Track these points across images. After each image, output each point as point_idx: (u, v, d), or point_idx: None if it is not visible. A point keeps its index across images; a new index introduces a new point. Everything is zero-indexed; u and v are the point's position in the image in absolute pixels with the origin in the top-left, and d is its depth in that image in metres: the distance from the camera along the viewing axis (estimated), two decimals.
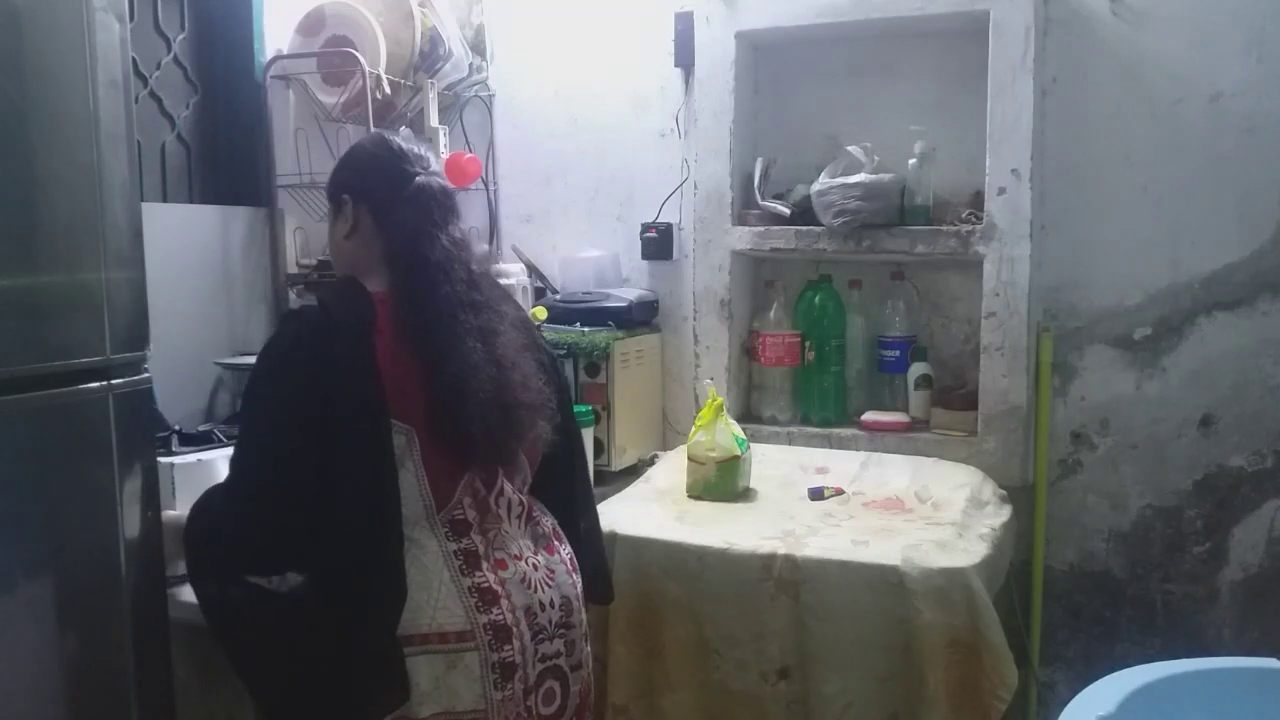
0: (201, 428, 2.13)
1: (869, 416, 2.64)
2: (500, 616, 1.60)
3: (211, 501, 1.60)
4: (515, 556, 1.66)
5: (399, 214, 1.66)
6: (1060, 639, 2.64)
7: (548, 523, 1.77)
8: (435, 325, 1.60)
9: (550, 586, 1.69)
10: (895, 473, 2.43)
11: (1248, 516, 2.47)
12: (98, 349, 1.46)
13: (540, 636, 1.65)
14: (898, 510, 2.26)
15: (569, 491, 1.87)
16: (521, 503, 1.72)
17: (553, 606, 1.68)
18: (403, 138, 1.76)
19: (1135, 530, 2.56)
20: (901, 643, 1.93)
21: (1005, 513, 2.29)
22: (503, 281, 2.77)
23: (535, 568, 1.68)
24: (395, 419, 1.56)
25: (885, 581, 1.93)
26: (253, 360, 2.34)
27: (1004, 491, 2.40)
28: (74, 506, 1.46)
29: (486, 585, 1.60)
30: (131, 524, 1.51)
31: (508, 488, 1.70)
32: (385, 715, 1.54)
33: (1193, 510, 2.51)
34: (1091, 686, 1.80)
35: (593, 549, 1.90)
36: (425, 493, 1.59)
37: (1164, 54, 2.45)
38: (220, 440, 2.01)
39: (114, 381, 1.48)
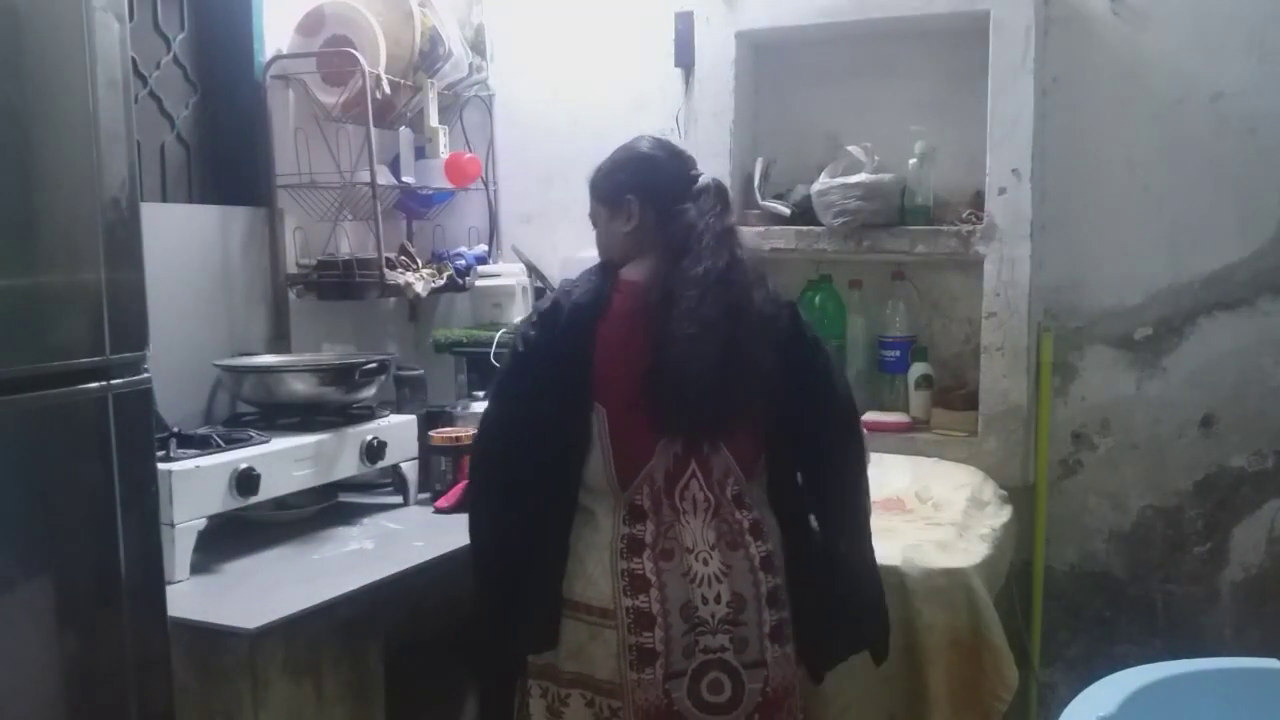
0: (201, 430, 2.12)
1: (869, 417, 2.63)
2: (645, 604, 1.69)
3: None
4: (687, 549, 1.71)
5: (686, 212, 1.78)
6: (1061, 639, 2.64)
7: (745, 520, 1.76)
8: (683, 300, 1.68)
9: (720, 581, 1.71)
10: (896, 473, 2.43)
11: (1248, 517, 2.47)
12: (97, 349, 1.46)
13: (701, 629, 1.69)
14: (898, 510, 2.26)
15: (838, 505, 1.85)
16: (709, 500, 1.74)
17: (718, 601, 1.70)
18: (673, 142, 1.94)
19: (1136, 530, 2.56)
20: (902, 643, 1.93)
21: (1006, 513, 2.29)
22: (506, 282, 2.80)
23: (706, 562, 1.71)
24: (598, 400, 1.72)
25: (885, 581, 1.92)
26: (255, 360, 2.36)
27: (1004, 492, 2.40)
28: (74, 507, 1.46)
29: (640, 572, 1.70)
30: (131, 524, 1.51)
31: (695, 484, 1.73)
32: (533, 652, 1.76)
33: (1193, 510, 2.51)
34: (1092, 687, 1.80)
35: (852, 579, 1.82)
36: (610, 471, 1.73)
37: (1164, 54, 2.45)
38: (219, 444, 2.01)
39: (113, 382, 1.48)
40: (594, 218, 1.92)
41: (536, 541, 1.75)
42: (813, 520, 1.84)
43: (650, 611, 1.68)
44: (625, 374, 1.69)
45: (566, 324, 1.74)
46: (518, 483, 1.76)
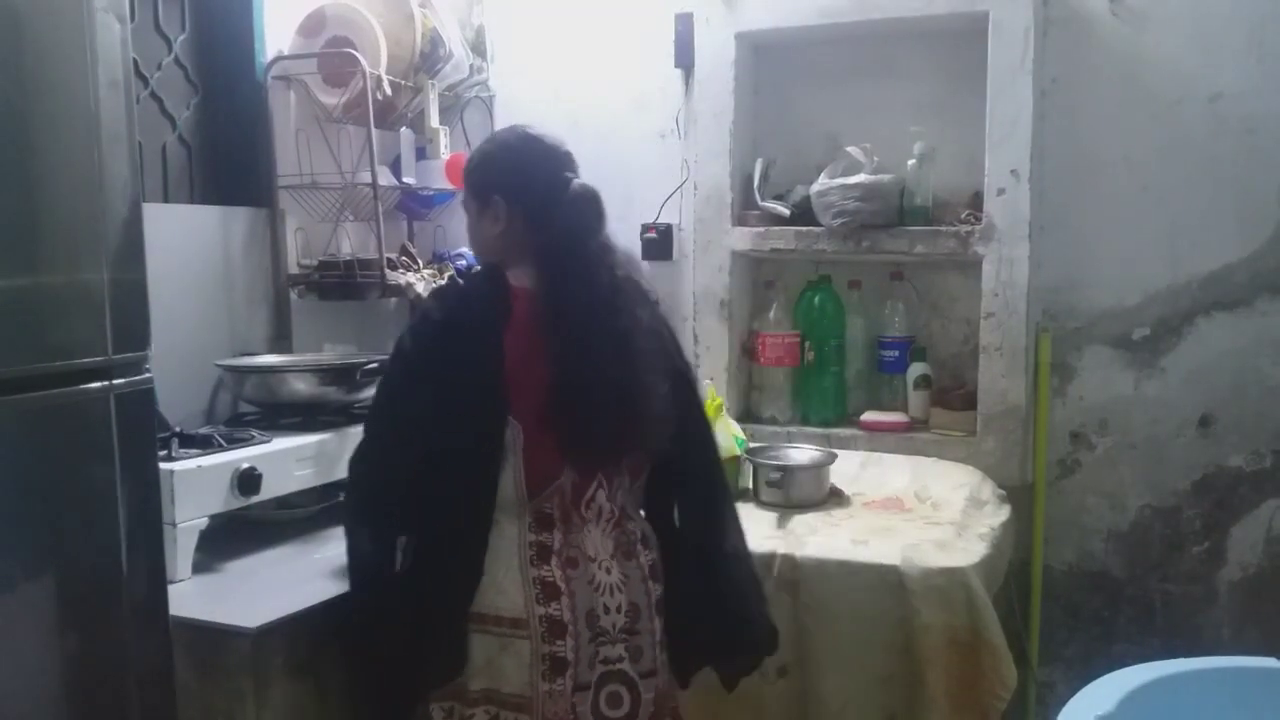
0: (203, 429, 2.13)
1: (868, 417, 2.64)
2: (558, 612, 1.66)
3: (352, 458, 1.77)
4: (590, 558, 1.71)
5: (557, 217, 1.72)
6: (1059, 639, 2.64)
7: (637, 530, 1.79)
8: (572, 325, 1.66)
9: (620, 591, 1.72)
10: (894, 473, 2.43)
11: (1246, 516, 2.48)
12: (99, 349, 1.46)
13: (602, 639, 1.69)
14: (897, 510, 2.27)
15: (713, 511, 1.86)
16: (613, 511, 1.75)
17: (619, 611, 1.71)
18: (547, 135, 1.82)
19: (1134, 530, 2.57)
20: (900, 642, 1.94)
21: (1004, 512, 2.29)
22: None
23: (609, 571, 1.72)
24: (513, 415, 1.66)
25: (884, 581, 1.94)
26: (257, 361, 2.36)
27: (1003, 491, 2.40)
28: (75, 507, 1.46)
29: (551, 580, 1.67)
30: (132, 524, 1.51)
31: (600, 495, 1.74)
32: (442, 683, 1.67)
33: (1191, 510, 2.52)
34: (1090, 686, 1.81)
35: (738, 579, 1.84)
36: (520, 484, 1.68)
37: (1163, 55, 2.46)
38: (221, 444, 2.01)
39: (115, 382, 1.48)
40: (465, 207, 1.85)
41: (446, 562, 1.67)
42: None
43: (562, 619, 1.66)
44: (534, 387, 1.65)
45: (475, 332, 1.66)
46: (425, 500, 1.67)
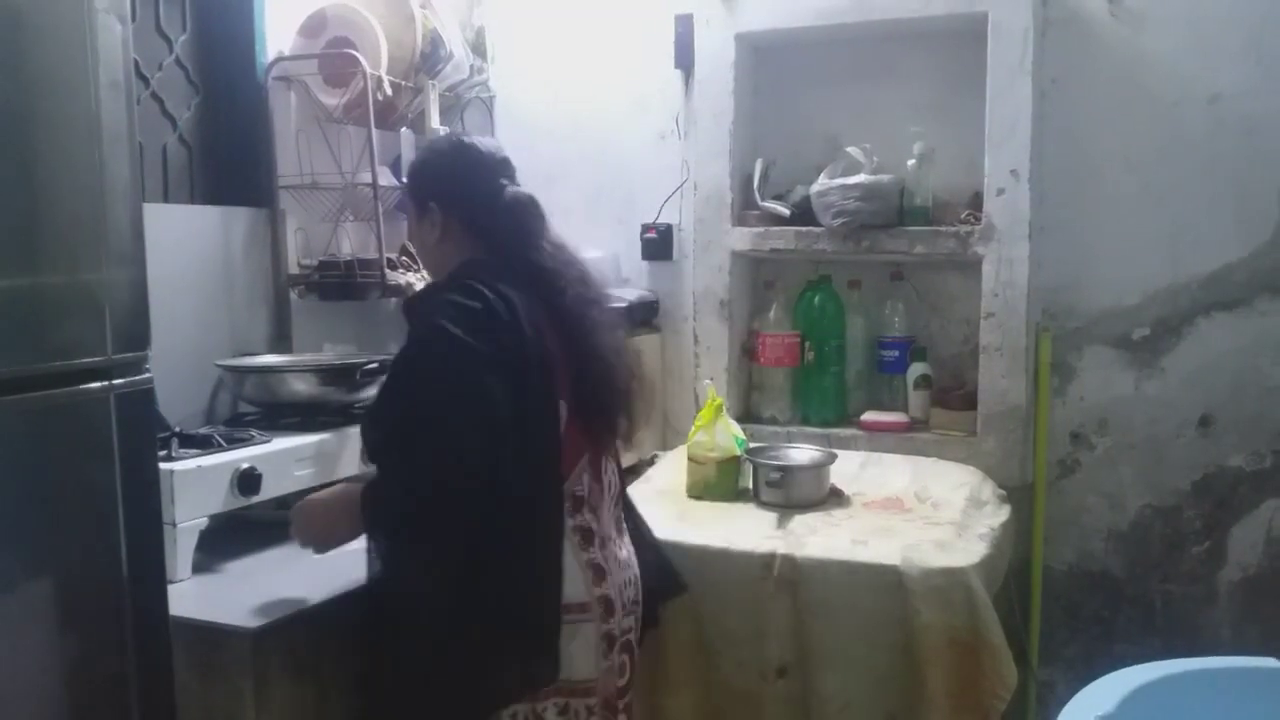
0: (202, 429, 2.13)
1: (868, 417, 2.65)
2: (607, 591, 1.73)
3: (398, 473, 1.64)
4: (609, 536, 1.80)
5: (497, 224, 1.75)
6: (1059, 639, 2.64)
7: (619, 507, 1.88)
8: (575, 323, 1.72)
9: (630, 566, 1.83)
10: (894, 473, 2.43)
11: (1246, 516, 2.48)
12: (99, 349, 1.46)
13: (624, 612, 1.78)
14: (897, 510, 2.27)
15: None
16: (615, 486, 1.86)
17: (629, 584, 1.80)
18: (482, 141, 1.83)
19: (1134, 530, 2.57)
20: (900, 642, 1.94)
21: (1004, 513, 2.29)
22: None
23: (620, 548, 1.82)
24: (560, 398, 1.68)
25: (884, 581, 1.94)
26: (257, 361, 2.36)
27: (1003, 491, 2.40)
28: (75, 507, 1.45)
29: (597, 561, 1.74)
30: (132, 524, 1.51)
31: (610, 471, 1.83)
32: (544, 685, 1.65)
33: (1191, 510, 2.52)
34: (1090, 686, 1.81)
35: (653, 540, 1.99)
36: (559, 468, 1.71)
37: (1162, 55, 2.46)
38: (221, 444, 2.01)
39: (115, 382, 1.48)
40: (401, 209, 1.90)
41: (530, 560, 1.64)
42: None
43: (611, 598, 1.74)
44: (559, 368, 1.69)
45: (524, 322, 1.64)
46: (505, 495, 1.60)
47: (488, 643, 1.62)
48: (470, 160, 1.79)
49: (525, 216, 1.76)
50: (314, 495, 1.81)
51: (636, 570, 1.84)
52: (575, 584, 1.69)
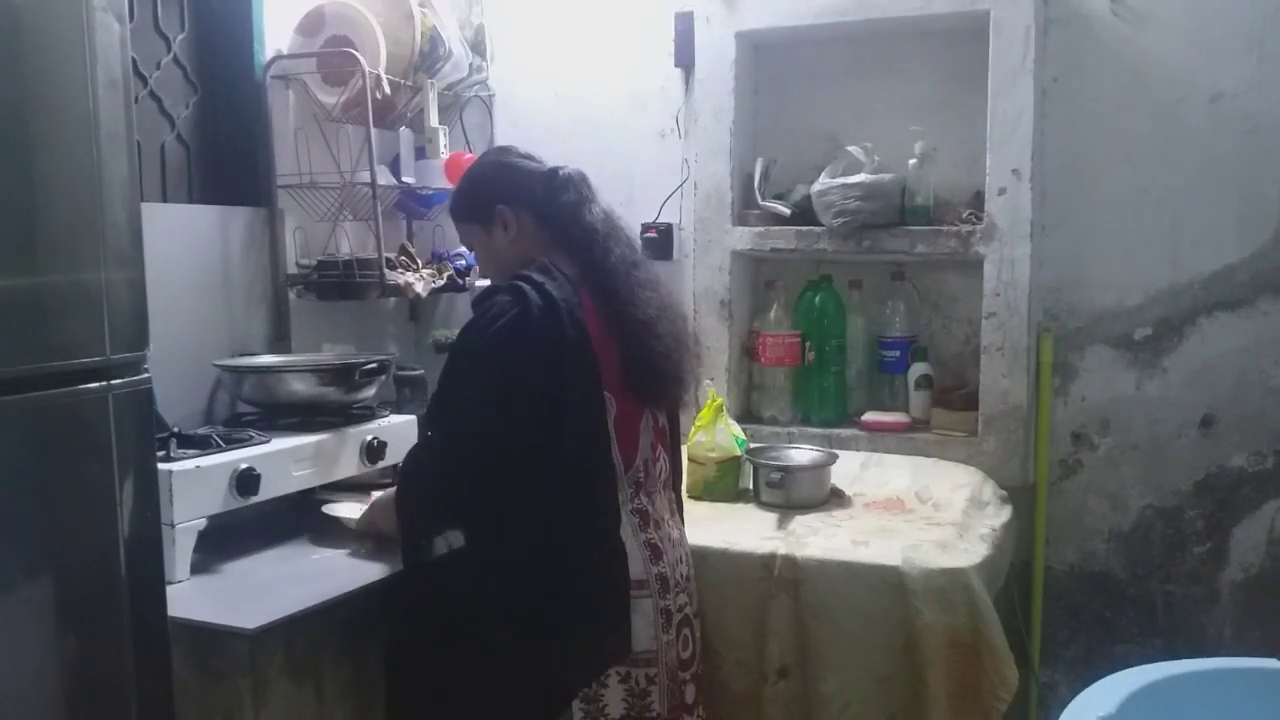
0: (201, 430, 2.12)
1: (869, 417, 2.64)
2: (663, 569, 1.84)
3: (420, 465, 1.84)
4: (664, 519, 1.90)
5: (562, 202, 1.87)
6: (1060, 639, 2.64)
7: (670, 493, 1.99)
8: (624, 292, 1.82)
9: (683, 545, 1.94)
10: (895, 473, 2.43)
11: (1248, 517, 2.47)
12: (97, 349, 1.46)
13: (677, 589, 1.88)
14: (898, 510, 2.26)
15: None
16: (666, 470, 1.96)
17: (682, 562, 1.91)
18: (511, 147, 2.03)
19: (1136, 530, 2.56)
20: (901, 643, 1.93)
21: (1005, 513, 2.29)
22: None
23: (673, 529, 1.92)
24: (605, 390, 1.78)
25: (885, 582, 1.93)
26: (255, 361, 2.35)
27: (1004, 492, 2.40)
28: (73, 507, 1.45)
29: (654, 541, 1.85)
30: (131, 524, 1.51)
31: (663, 456, 1.94)
32: (620, 659, 1.77)
33: (1193, 510, 2.51)
34: (1092, 687, 1.81)
35: None
36: (617, 454, 1.81)
37: (1164, 54, 2.45)
38: (219, 444, 2.01)
39: (113, 382, 1.48)
40: (467, 242, 2.00)
41: (602, 543, 1.78)
42: None
43: (666, 575, 1.84)
44: (611, 362, 1.79)
45: (568, 320, 1.74)
46: (568, 482, 1.74)
47: (565, 624, 1.74)
48: (514, 160, 1.95)
49: (582, 187, 1.89)
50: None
51: (688, 549, 1.95)
52: (636, 563, 1.80)
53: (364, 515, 2.04)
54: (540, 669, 1.75)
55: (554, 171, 1.90)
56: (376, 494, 2.11)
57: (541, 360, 1.72)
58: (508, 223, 1.89)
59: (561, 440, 1.72)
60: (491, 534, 1.75)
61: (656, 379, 1.84)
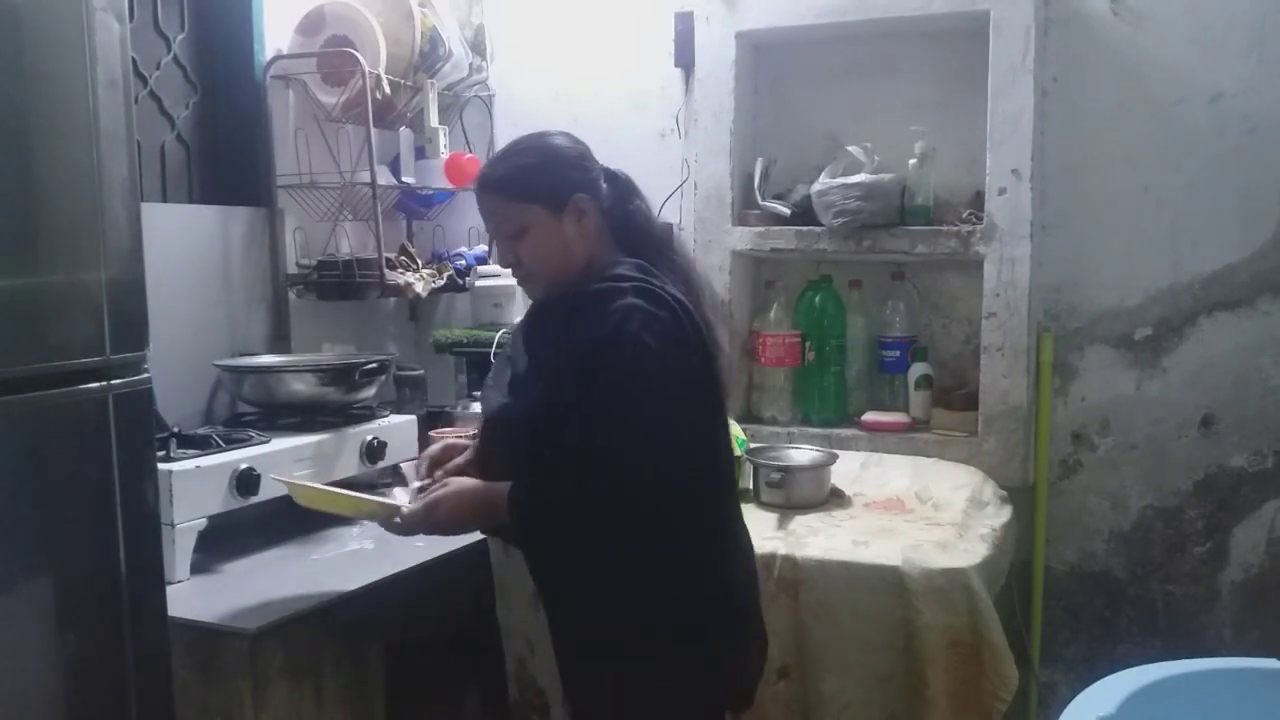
0: (201, 430, 2.12)
1: (869, 417, 2.64)
2: (752, 566, 1.81)
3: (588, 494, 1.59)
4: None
5: (634, 209, 1.74)
6: (1061, 639, 2.64)
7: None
8: (695, 297, 1.69)
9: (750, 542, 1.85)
10: (895, 473, 2.43)
11: (1248, 517, 2.47)
12: (97, 349, 1.46)
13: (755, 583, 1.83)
14: (898, 511, 2.26)
15: None
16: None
17: (750, 559, 1.83)
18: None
19: (1136, 531, 2.56)
20: (901, 643, 1.93)
21: (1006, 513, 2.28)
22: (505, 282, 2.80)
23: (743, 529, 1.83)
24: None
25: (885, 582, 1.93)
26: (255, 361, 2.35)
27: (1004, 492, 2.40)
28: (73, 507, 1.46)
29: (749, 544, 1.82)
30: (131, 525, 1.51)
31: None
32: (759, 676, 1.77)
33: (1193, 511, 2.51)
34: (1092, 687, 1.80)
35: None
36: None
37: (1164, 54, 2.45)
38: (219, 444, 2.01)
39: (113, 382, 1.48)
40: (515, 226, 1.68)
41: (746, 550, 1.77)
42: None
43: (751, 572, 1.81)
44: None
45: (698, 319, 1.64)
46: (713, 489, 1.69)
47: (727, 638, 1.69)
48: (576, 145, 1.75)
49: (634, 186, 1.78)
50: (458, 485, 1.69)
51: (753, 546, 1.87)
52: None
53: (429, 515, 1.67)
54: (706, 684, 1.67)
55: (620, 174, 1.76)
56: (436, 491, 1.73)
57: (694, 368, 1.62)
58: (584, 215, 1.68)
59: (718, 449, 1.68)
60: (652, 550, 1.61)
61: (725, 385, 1.75)
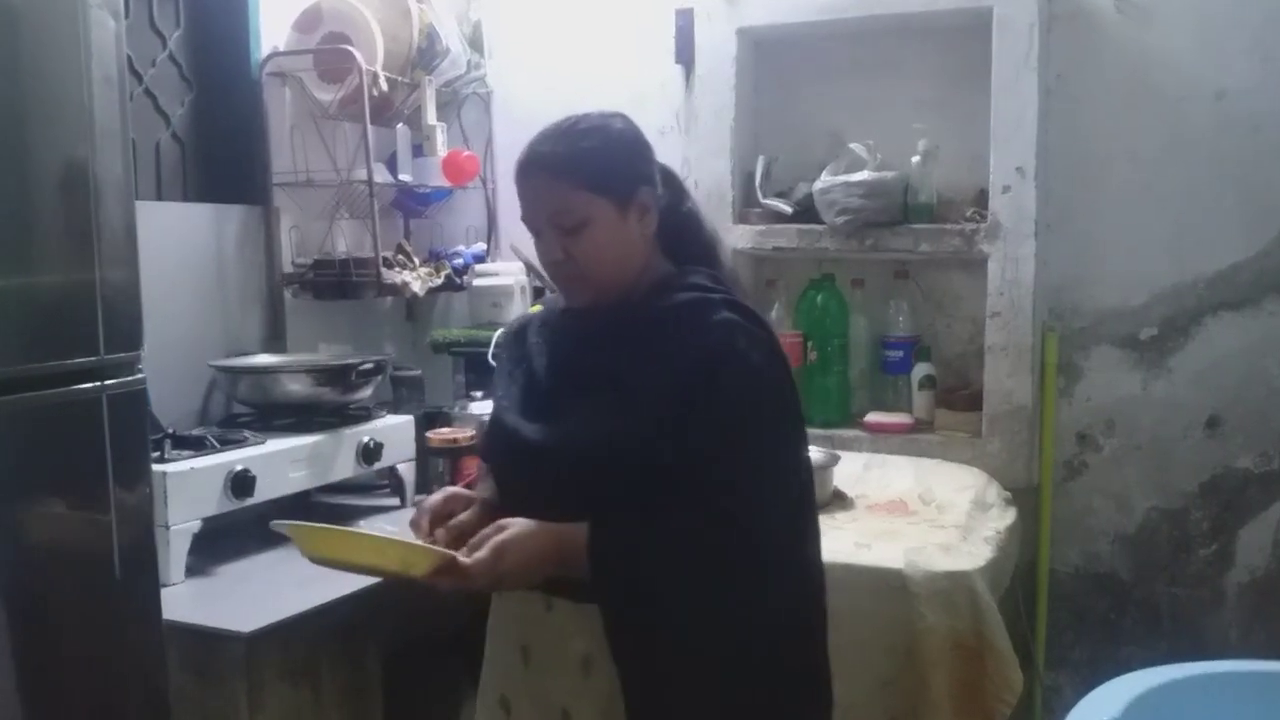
0: (196, 431, 2.11)
1: (872, 417, 2.62)
2: None
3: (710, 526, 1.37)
4: None
5: (688, 210, 1.58)
6: (1065, 642, 2.63)
7: None
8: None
9: None
10: (898, 474, 2.41)
11: (1254, 518, 2.46)
12: (91, 349, 1.45)
13: None
14: (901, 513, 2.24)
15: None
16: None
17: None
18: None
19: (1141, 532, 2.54)
20: (904, 646, 1.92)
21: (1010, 515, 2.27)
22: (504, 281, 2.78)
23: None
24: None
25: (888, 584, 1.91)
26: (251, 361, 2.33)
27: (1008, 493, 2.38)
28: (68, 508, 1.45)
29: None
30: (125, 526, 1.50)
31: None
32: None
33: (1199, 512, 2.50)
34: (1097, 690, 1.80)
35: None
36: None
37: (1169, 52, 2.44)
38: (214, 445, 1.99)
39: (108, 382, 1.47)
40: (574, 220, 1.44)
41: (815, 575, 1.56)
42: None
43: None
44: None
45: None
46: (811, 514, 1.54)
47: (827, 668, 1.53)
48: (638, 132, 1.52)
49: (685, 186, 1.62)
50: (519, 527, 1.37)
51: None
52: None
53: (495, 566, 1.33)
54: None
55: (672, 171, 1.57)
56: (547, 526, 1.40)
57: (792, 386, 1.48)
58: (648, 212, 1.47)
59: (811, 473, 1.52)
60: (784, 597, 1.47)
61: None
